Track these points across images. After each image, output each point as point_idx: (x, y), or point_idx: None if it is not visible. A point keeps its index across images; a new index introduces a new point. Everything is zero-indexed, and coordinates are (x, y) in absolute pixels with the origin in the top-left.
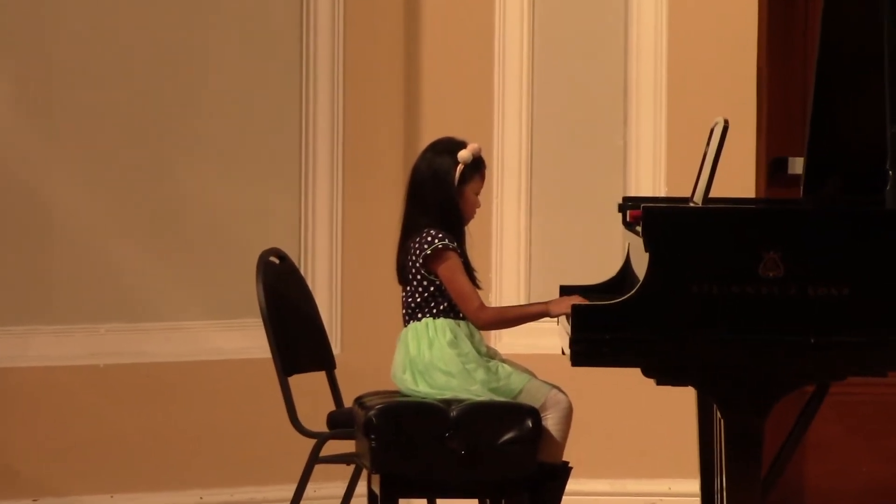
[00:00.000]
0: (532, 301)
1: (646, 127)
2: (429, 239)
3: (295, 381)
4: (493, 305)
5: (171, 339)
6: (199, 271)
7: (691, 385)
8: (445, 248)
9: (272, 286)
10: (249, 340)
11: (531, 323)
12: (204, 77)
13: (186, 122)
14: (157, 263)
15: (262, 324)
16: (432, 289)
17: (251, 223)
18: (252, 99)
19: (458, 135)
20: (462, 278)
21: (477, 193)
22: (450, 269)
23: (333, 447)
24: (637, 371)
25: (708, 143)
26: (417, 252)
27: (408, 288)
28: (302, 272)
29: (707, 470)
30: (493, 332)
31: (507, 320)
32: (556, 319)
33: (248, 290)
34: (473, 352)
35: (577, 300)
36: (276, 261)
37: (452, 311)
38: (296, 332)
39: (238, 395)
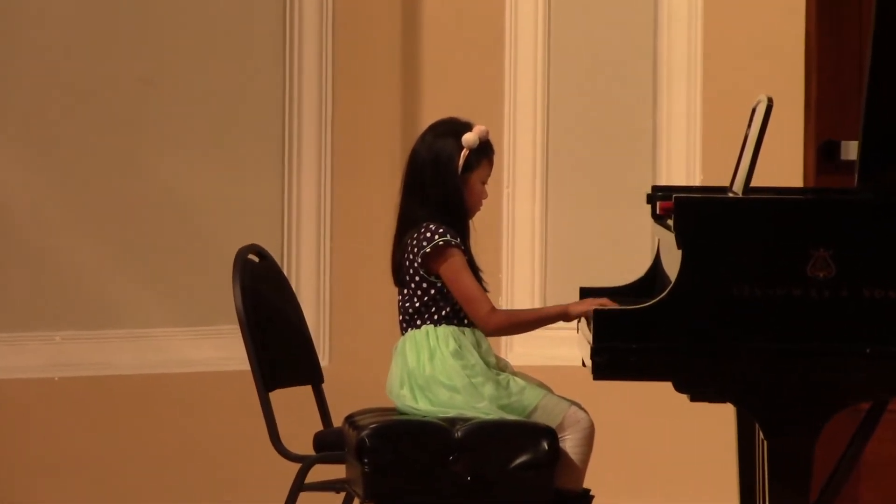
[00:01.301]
0: (548, 306)
1: (678, 106)
2: (428, 235)
3: (277, 396)
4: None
5: (135, 349)
6: (167, 272)
7: (730, 401)
8: (447, 244)
9: (251, 288)
10: (225, 350)
11: (547, 331)
12: (172, 55)
13: (153, 105)
14: (119, 263)
15: (239, 331)
16: (433, 291)
17: (226, 217)
18: (228, 78)
19: (463, 115)
20: (467, 278)
21: (484, 182)
22: (453, 269)
23: (321, 472)
24: (668, 386)
25: (749, 125)
26: (415, 250)
27: (405, 291)
28: (285, 272)
29: (748, 498)
30: (503, 342)
31: (521, 324)
32: (575, 327)
33: (224, 293)
34: (481, 363)
35: (603, 303)
36: (256, 259)
37: (456, 317)
38: (278, 341)
39: (212, 413)
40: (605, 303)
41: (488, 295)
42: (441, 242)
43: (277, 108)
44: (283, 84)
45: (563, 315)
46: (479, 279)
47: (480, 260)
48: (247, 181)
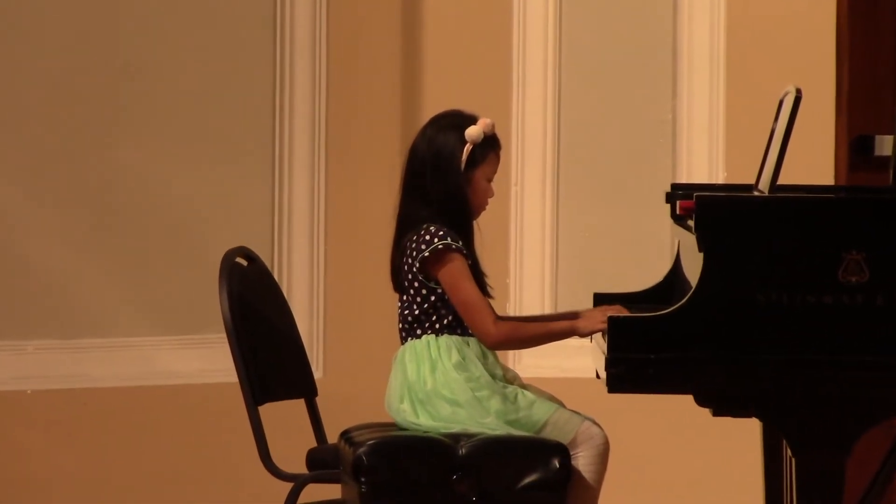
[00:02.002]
0: (560, 312)
1: (699, 97)
2: (427, 238)
3: (267, 410)
4: (508, 317)
5: (114, 360)
6: (148, 277)
7: (755, 416)
8: (447, 248)
9: (239, 294)
10: (211, 361)
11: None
12: (155, 43)
13: (133, 98)
14: (96, 267)
15: (226, 340)
16: (433, 298)
17: (212, 217)
18: (214, 68)
19: (468, 107)
20: (468, 285)
21: (490, 180)
22: (453, 275)
23: (314, 492)
24: (688, 399)
25: (776, 118)
26: (414, 253)
27: (405, 297)
28: (276, 276)
29: None
30: (510, 352)
31: (525, 339)
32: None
33: (210, 300)
34: (486, 376)
35: (616, 311)
36: (244, 263)
37: (459, 326)
38: (268, 351)
39: (197, 429)
40: (619, 311)
41: (493, 303)
42: (441, 246)
43: (267, 101)
44: (274, 75)
45: (572, 330)
46: (483, 285)
47: (486, 264)
48: (234, 179)
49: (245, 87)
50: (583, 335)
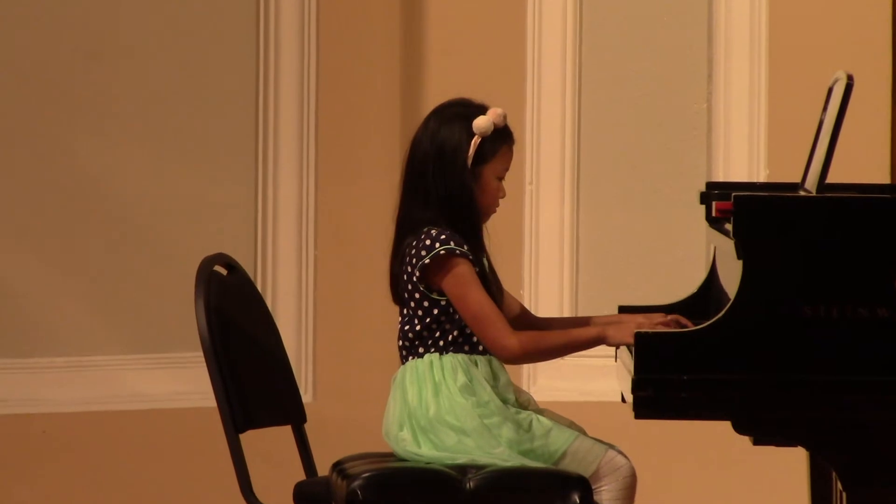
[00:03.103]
0: (584, 316)
1: (738, 85)
2: (427, 242)
3: (250, 438)
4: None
5: (77, 381)
6: (116, 288)
7: (801, 445)
8: (451, 253)
9: (218, 307)
10: (186, 383)
11: (577, 359)
12: (124, 27)
13: (101, 89)
14: (56, 277)
15: (203, 360)
16: (436, 311)
17: (188, 221)
18: (190, 56)
19: (476, 96)
20: (476, 294)
21: (501, 178)
22: (459, 283)
23: None
24: (725, 426)
25: (825, 109)
26: (414, 260)
27: (405, 311)
28: (259, 287)
29: None
30: (524, 373)
31: (546, 350)
32: (613, 352)
33: (185, 314)
34: (496, 400)
35: (644, 324)
36: (224, 272)
37: (467, 343)
38: (251, 372)
39: (171, 458)
40: (659, 321)
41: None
42: (443, 251)
43: (249, 90)
44: (256, 61)
45: (600, 339)
46: (493, 295)
47: (499, 272)
48: (212, 178)
49: (224, 75)
50: (611, 345)
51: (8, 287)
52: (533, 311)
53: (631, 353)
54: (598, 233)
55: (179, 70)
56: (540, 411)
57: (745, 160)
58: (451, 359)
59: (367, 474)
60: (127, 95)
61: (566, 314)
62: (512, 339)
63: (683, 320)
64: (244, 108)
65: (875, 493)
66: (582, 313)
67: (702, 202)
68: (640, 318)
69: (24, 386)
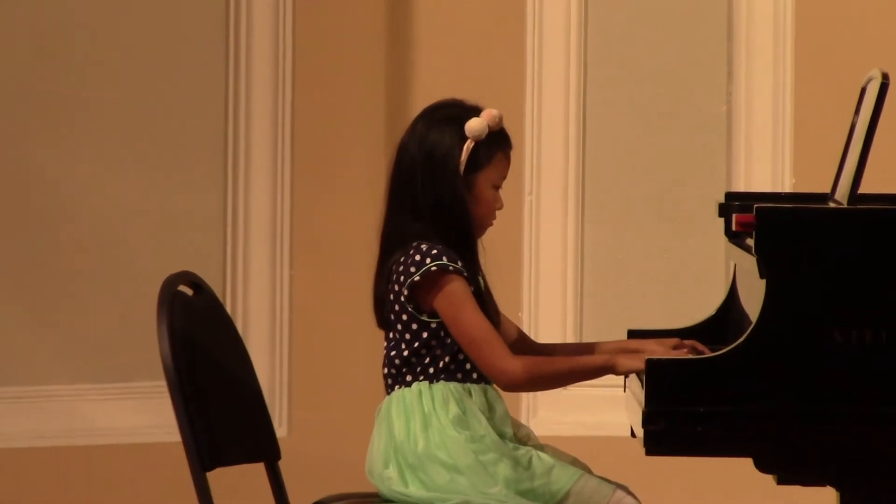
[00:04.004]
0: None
1: (761, 86)
2: (417, 258)
3: (218, 477)
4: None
5: (28, 414)
6: (70, 310)
7: (831, 485)
8: (443, 270)
9: (183, 331)
10: (147, 415)
11: (582, 389)
12: (79, 21)
13: (53, 90)
14: (4, 299)
15: (166, 390)
16: (426, 335)
17: (150, 236)
18: (152, 52)
19: (469, 97)
20: (472, 314)
21: (497, 187)
22: (453, 303)
23: None
24: (746, 463)
25: (857, 111)
26: (401, 278)
27: (391, 335)
28: (228, 309)
29: None
30: (522, 404)
31: (551, 377)
32: (622, 382)
33: (146, 339)
34: (492, 434)
35: (656, 350)
36: (190, 292)
37: (460, 370)
38: (219, 404)
39: (132, 498)
40: (673, 346)
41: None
42: (434, 268)
43: (219, 90)
44: (226, 57)
45: (609, 367)
46: (490, 315)
47: (496, 291)
48: (177, 188)
49: (191, 74)
50: (620, 373)
51: None
52: (532, 337)
53: (642, 382)
54: (605, 249)
55: (142, 72)
56: (540, 447)
57: (769, 168)
58: (442, 388)
59: None
60: (83, 97)
61: (569, 340)
62: (514, 363)
63: (700, 346)
64: (212, 107)
65: None
66: (587, 339)
67: (720, 215)
68: (652, 343)
69: None
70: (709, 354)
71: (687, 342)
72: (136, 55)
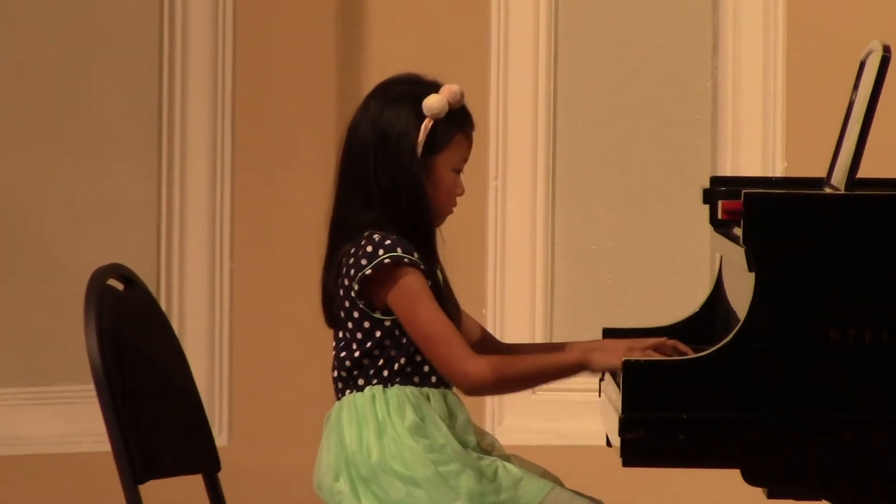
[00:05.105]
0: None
1: (750, 61)
2: (369, 249)
3: (152, 489)
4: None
5: None
6: None
7: (824, 498)
8: (398, 263)
9: (113, 330)
10: (74, 423)
11: (552, 392)
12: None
13: None
14: None
15: (95, 395)
16: (379, 334)
17: (75, 226)
18: (80, 31)
19: (428, 72)
20: (429, 310)
21: (458, 171)
22: (409, 298)
23: None
24: (733, 475)
25: (856, 88)
26: (352, 271)
27: (341, 334)
28: (163, 306)
29: None
30: (486, 409)
31: (517, 377)
32: (597, 385)
33: (72, 338)
34: (454, 443)
35: (634, 350)
36: (120, 286)
37: (417, 373)
38: (153, 410)
39: None
40: (653, 345)
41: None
42: (388, 260)
43: (151, 70)
44: (160, 34)
45: (582, 364)
46: (450, 312)
47: (457, 285)
48: (107, 175)
49: (121, 54)
50: (595, 370)
51: None
52: (498, 336)
53: (618, 385)
54: (577, 239)
55: (69, 53)
56: (507, 457)
57: (759, 150)
58: (397, 392)
59: None
60: (5, 82)
61: (538, 339)
62: (477, 364)
63: (682, 346)
64: (144, 85)
65: None
66: (558, 339)
67: (705, 202)
68: (629, 342)
69: None
70: (692, 355)
71: (668, 342)
72: (66, 40)
